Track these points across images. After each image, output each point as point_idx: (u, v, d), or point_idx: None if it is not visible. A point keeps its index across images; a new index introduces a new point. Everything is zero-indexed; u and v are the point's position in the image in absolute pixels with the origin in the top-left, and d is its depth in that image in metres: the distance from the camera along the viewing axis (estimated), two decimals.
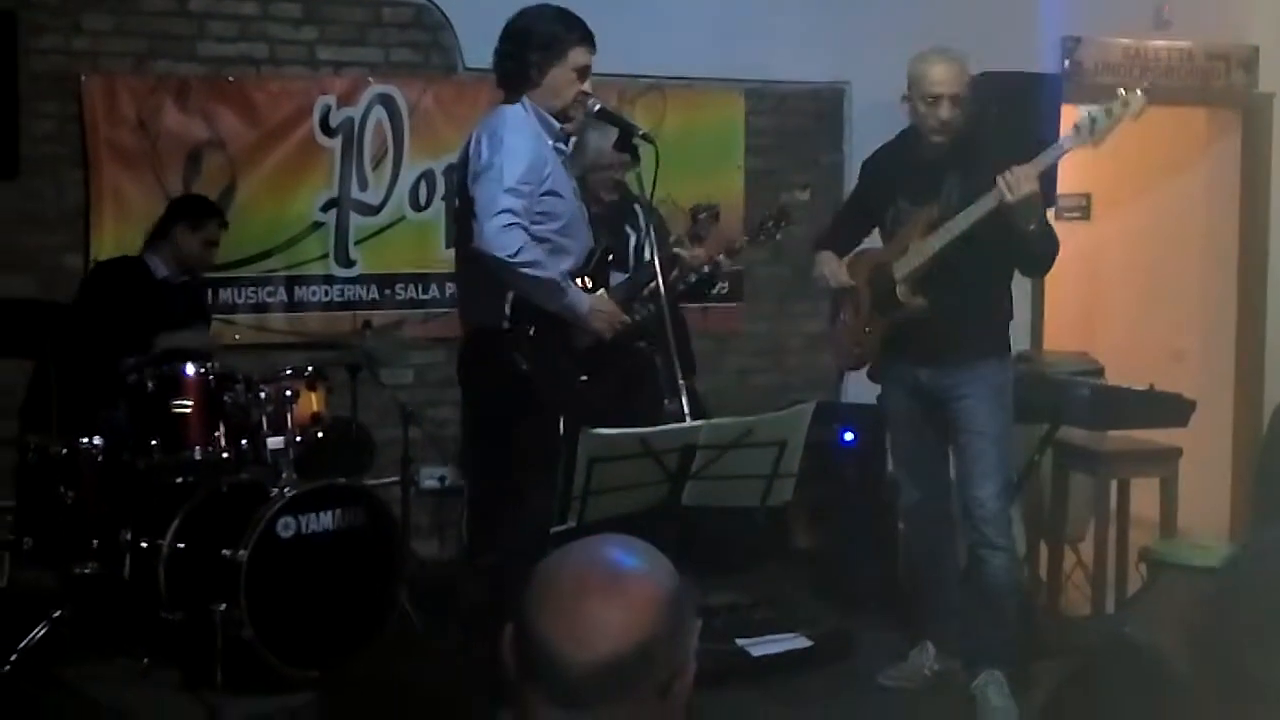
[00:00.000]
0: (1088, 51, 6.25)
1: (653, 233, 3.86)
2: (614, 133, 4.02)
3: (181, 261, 4.78)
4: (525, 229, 3.47)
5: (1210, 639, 1.40)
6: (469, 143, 3.65)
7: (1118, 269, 7.14)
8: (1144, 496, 5.09)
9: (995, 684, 3.95)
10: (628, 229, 4.53)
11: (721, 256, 4.24)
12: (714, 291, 4.83)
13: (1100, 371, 5.24)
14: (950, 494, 4.19)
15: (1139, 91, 3.66)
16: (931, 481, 4.19)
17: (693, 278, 4.18)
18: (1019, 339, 6.02)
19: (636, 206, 4.56)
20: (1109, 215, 7.14)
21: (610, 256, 3.90)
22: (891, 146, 4.16)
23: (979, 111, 5.21)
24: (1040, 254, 3.92)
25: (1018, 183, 3.64)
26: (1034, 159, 3.70)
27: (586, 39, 3.64)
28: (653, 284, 3.68)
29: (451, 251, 5.34)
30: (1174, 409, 4.55)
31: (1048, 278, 6.06)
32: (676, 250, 4.06)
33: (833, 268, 4.14)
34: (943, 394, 4.02)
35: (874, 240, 4.23)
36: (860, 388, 5.10)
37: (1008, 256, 3.95)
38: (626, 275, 4.04)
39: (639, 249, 4.47)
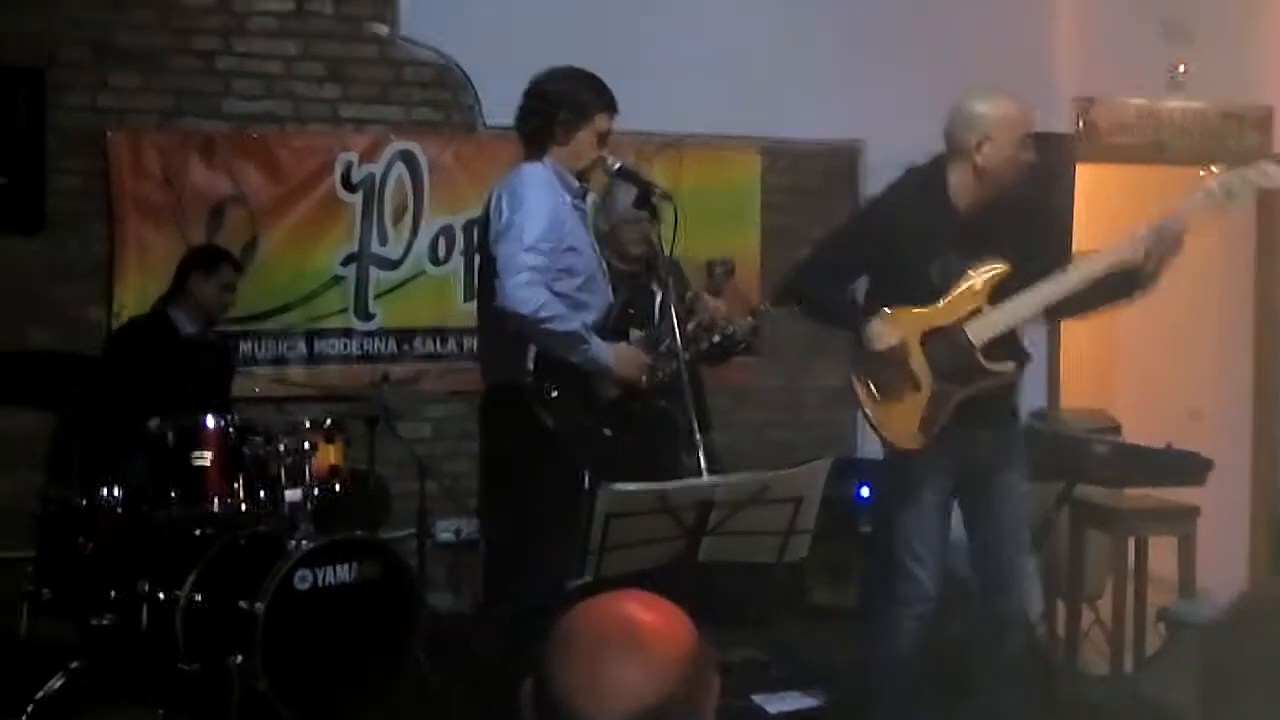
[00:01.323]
0: (1101, 112, 6.30)
1: (671, 289, 3.88)
2: (635, 190, 4.07)
3: (201, 310, 4.83)
4: (547, 286, 3.51)
5: (1222, 697, 1.40)
6: (489, 200, 3.71)
7: (1135, 327, 7.13)
8: (1162, 555, 5.07)
9: None
10: (653, 286, 4.56)
11: (748, 318, 4.24)
12: (739, 351, 4.76)
13: (1117, 429, 5.24)
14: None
15: (1274, 164, 3.49)
16: (942, 570, 3.75)
17: (716, 337, 4.19)
18: (1036, 395, 6.06)
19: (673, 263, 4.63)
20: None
21: (631, 311, 3.94)
22: (916, 192, 3.72)
23: None
24: (1119, 302, 3.71)
25: (1171, 237, 3.47)
26: (1168, 218, 3.52)
27: (611, 105, 3.72)
28: (671, 339, 3.71)
29: (470, 306, 5.42)
30: (1191, 467, 4.53)
31: (1065, 335, 6.12)
32: (696, 297, 4.08)
33: (891, 337, 3.60)
34: (993, 459, 3.71)
35: None
36: (876, 443, 5.11)
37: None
38: (644, 331, 4.07)
39: (664, 305, 4.50)
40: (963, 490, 3.75)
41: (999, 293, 3.61)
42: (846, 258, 3.81)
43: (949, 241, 3.61)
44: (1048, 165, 5.45)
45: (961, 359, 3.59)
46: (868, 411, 3.73)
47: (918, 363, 3.61)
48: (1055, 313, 3.86)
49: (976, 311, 3.60)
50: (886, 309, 3.64)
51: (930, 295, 3.62)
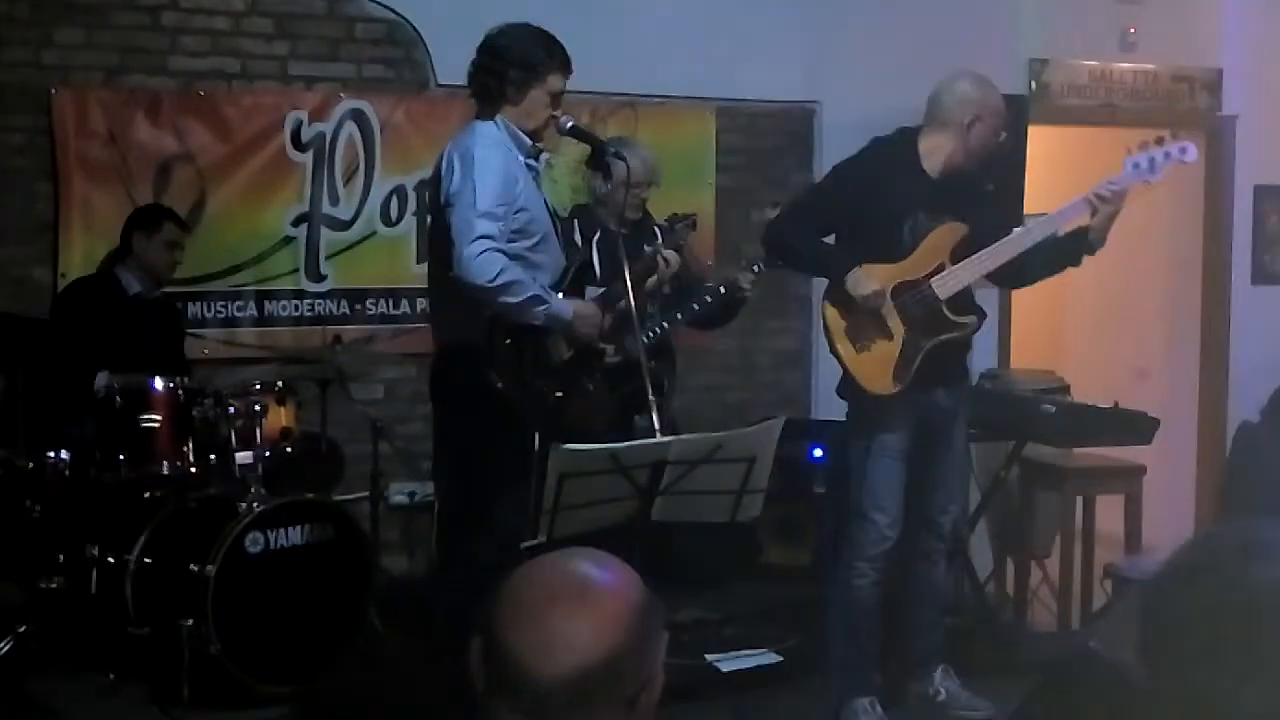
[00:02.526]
0: (1054, 73, 6.32)
1: (620, 248, 3.87)
2: (645, 155, 4.07)
3: (148, 270, 4.78)
4: (503, 251, 3.49)
5: (1162, 651, 1.42)
6: (441, 159, 3.67)
7: (1083, 288, 7.19)
8: (1109, 513, 5.14)
9: (951, 676, 4.15)
10: (645, 246, 4.56)
11: (748, 274, 4.34)
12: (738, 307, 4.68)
13: (1066, 389, 5.29)
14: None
15: (1192, 147, 3.84)
16: (902, 515, 3.96)
17: (708, 298, 4.25)
18: (986, 356, 6.11)
19: (656, 227, 4.63)
20: None
21: (588, 272, 3.92)
22: (890, 155, 3.94)
23: None
24: (1067, 267, 4.00)
25: (1107, 194, 3.75)
26: (1113, 179, 3.81)
27: (565, 65, 3.66)
28: (624, 300, 3.70)
29: (422, 267, 5.38)
30: (1139, 427, 4.60)
31: (1014, 297, 6.17)
32: (654, 250, 4.09)
33: (872, 284, 3.80)
34: (948, 413, 4.02)
35: None
36: (830, 404, 5.14)
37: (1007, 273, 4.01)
38: (602, 290, 4.05)
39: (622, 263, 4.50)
40: (915, 441, 3.96)
41: (959, 251, 3.86)
42: (822, 215, 4.01)
43: (919, 203, 3.87)
44: None
45: (929, 311, 3.85)
46: (845, 361, 3.91)
47: (890, 314, 3.85)
48: (1008, 280, 4.23)
49: (941, 268, 3.86)
50: (858, 264, 3.85)
51: (900, 253, 3.87)
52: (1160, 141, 3.82)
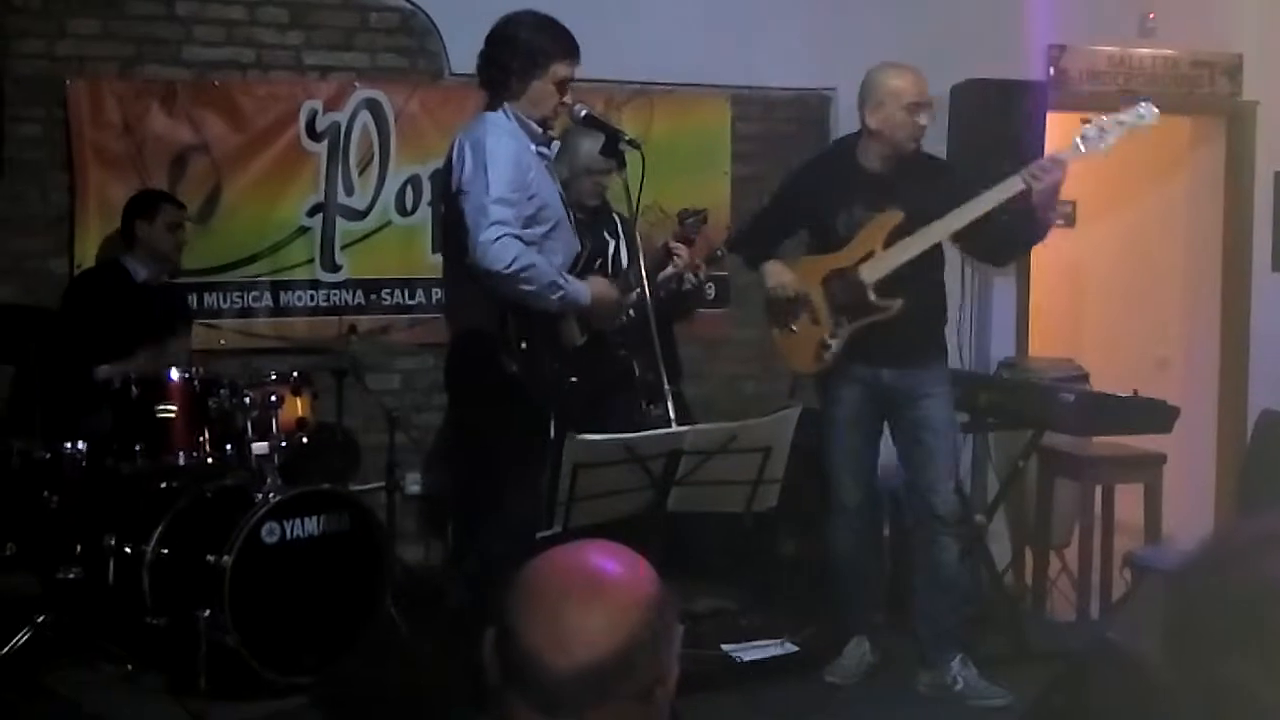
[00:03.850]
0: (1073, 59, 6.27)
1: (636, 238, 3.87)
2: (602, 138, 4.03)
3: (154, 255, 4.76)
4: (518, 237, 3.47)
5: (1185, 641, 1.40)
6: (452, 148, 3.66)
7: (1102, 276, 7.16)
8: (1128, 502, 5.11)
9: (969, 666, 4.16)
10: (606, 235, 4.54)
11: (704, 266, 4.36)
12: (697, 302, 4.84)
13: (1085, 378, 5.27)
14: (879, 491, 4.42)
15: (1148, 104, 3.88)
16: (869, 483, 4.31)
17: (685, 286, 4.24)
18: (1005, 345, 6.07)
19: (616, 214, 4.59)
20: (1094, 222, 7.17)
21: (598, 261, 3.91)
22: (831, 156, 4.34)
23: (956, 119, 5.35)
24: (1032, 241, 4.22)
25: (1047, 164, 3.84)
26: (1046, 159, 3.92)
27: (570, 52, 3.64)
28: (638, 290, 3.69)
29: (438, 257, 5.37)
30: (1158, 415, 4.57)
31: (1033, 285, 6.14)
32: (671, 246, 4.09)
33: (784, 275, 4.21)
34: (906, 394, 4.15)
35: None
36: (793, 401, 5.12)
37: (977, 247, 4.24)
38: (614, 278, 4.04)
39: (616, 256, 4.48)
40: (889, 420, 4.23)
41: (893, 238, 4.05)
42: (775, 216, 4.42)
43: (854, 197, 4.11)
44: (1020, 112, 5.49)
45: (853, 295, 4.07)
46: (775, 343, 4.35)
47: (818, 301, 4.15)
48: (981, 257, 4.57)
49: (870, 254, 4.06)
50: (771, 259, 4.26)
51: (836, 244, 4.15)
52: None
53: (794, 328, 4.23)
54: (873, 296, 4.05)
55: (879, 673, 4.34)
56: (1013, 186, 3.87)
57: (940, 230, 4.00)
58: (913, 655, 4.30)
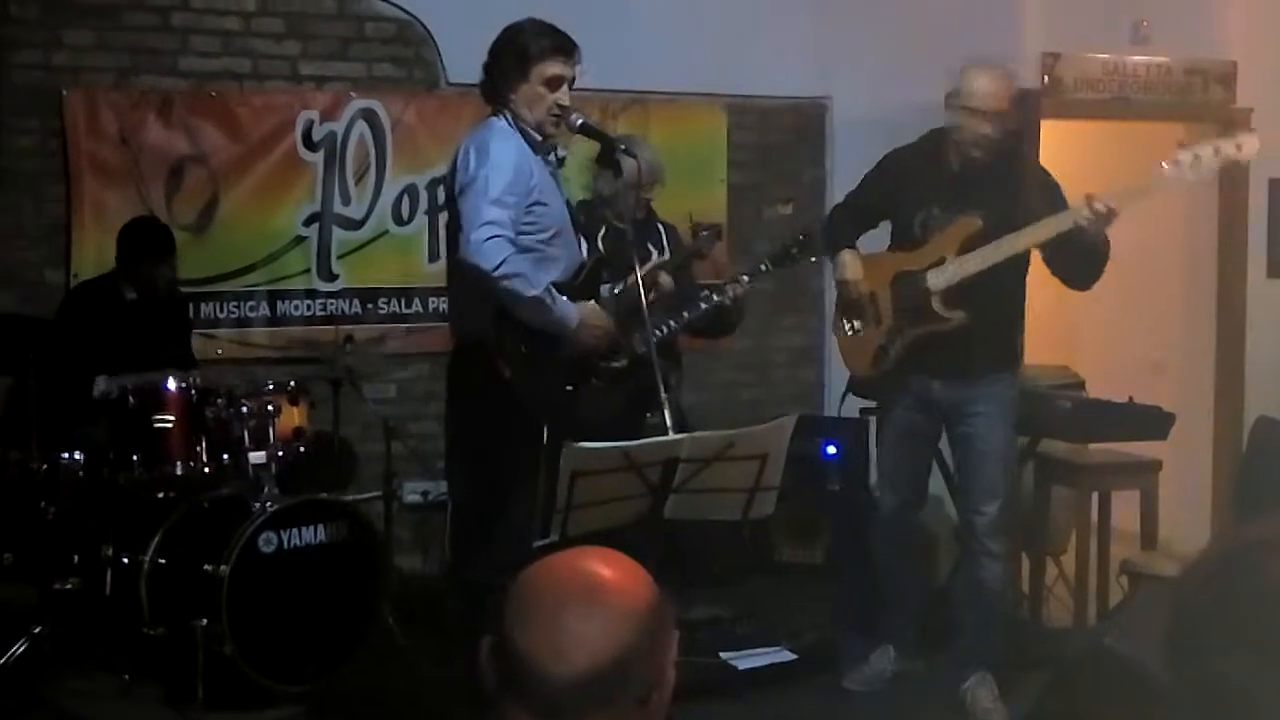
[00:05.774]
0: (1067, 67, 6.29)
1: (681, 247, 3.88)
2: (650, 155, 4.06)
3: (139, 288, 4.73)
4: (511, 241, 3.48)
5: (1186, 645, 1.41)
6: (457, 154, 3.67)
7: (1098, 283, 7.17)
8: (1125, 509, 5.11)
9: (987, 685, 4.07)
10: (650, 246, 4.56)
11: (736, 286, 4.21)
12: (742, 316, 4.62)
13: (1081, 384, 5.26)
14: (924, 503, 4.30)
15: (1250, 135, 3.67)
16: (914, 491, 4.24)
17: (703, 306, 4.21)
18: None
19: (660, 225, 4.63)
20: None
21: (605, 270, 3.90)
22: (920, 148, 4.09)
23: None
24: (1097, 268, 3.96)
25: (1105, 211, 3.63)
26: (1127, 190, 3.72)
27: (560, 49, 3.62)
28: (640, 300, 3.69)
29: (434, 266, 5.38)
30: (1154, 422, 4.57)
31: (1029, 292, 6.13)
32: (657, 265, 4.10)
33: (856, 270, 4.04)
34: (956, 409, 4.04)
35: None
36: (844, 403, 5.12)
37: (1059, 270, 3.99)
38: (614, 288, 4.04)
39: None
40: (928, 430, 4.14)
41: (968, 246, 3.88)
42: (859, 204, 4.23)
43: (935, 197, 3.94)
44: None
45: (918, 301, 3.94)
46: (837, 339, 4.22)
47: (884, 301, 4.01)
48: (1068, 281, 4.09)
49: (941, 261, 3.90)
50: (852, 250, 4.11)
51: (910, 243, 3.99)
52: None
53: (856, 327, 4.10)
54: (936, 305, 3.91)
55: (899, 683, 4.31)
56: (1072, 218, 3.69)
57: (1007, 247, 3.79)
58: (939, 668, 4.28)
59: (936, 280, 3.89)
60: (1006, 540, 4.12)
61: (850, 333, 4.13)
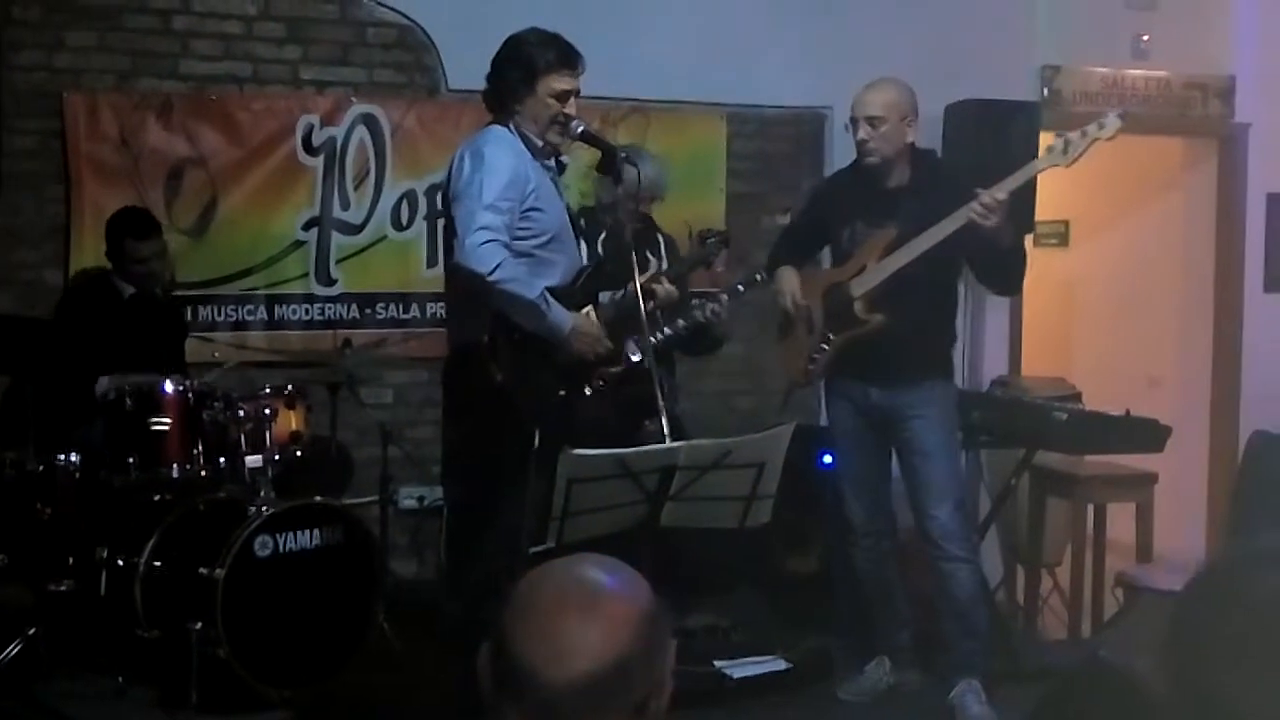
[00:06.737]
0: (1066, 80, 6.30)
1: (678, 254, 3.89)
2: (651, 167, 4.08)
3: (134, 283, 4.73)
4: (505, 245, 3.49)
5: (1185, 657, 1.41)
6: (453, 160, 3.68)
7: (1095, 295, 7.19)
8: (1120, 521, 5.12)
9: (973, 693, 4.06)
10: (648, 254, 4.58)
11: (715, 305, 4.33)
12: (729, 334, 4.76)
13: (1077, 397, 5.27)
14: (892, 510, 4.34)
15: (1114, 115, 3.83)
16: (876, 499, 4.29)
17: (681, 323, 4.23)
18: (998, 363, 6.09)
19: (660, 234, 4.65)
20: (1087, 242, 7.20)
21: (606, 272, 3.91)
22: (846, 172, 4.32)
23: (950, 139, 5.36)
24: (1012, 272, 4.12)
25: (991, 203, 3.76)
26: (1005, 179, 3.84)
27: (568, 63, 3.64)
28: (638, 308, 3.69)
29: (432, 271, 5.39)
30: (1150, 434, 4.58)
31: (1026, 304, 6.15)
32: (656, 273, 4.11)
33: (793, 284, 4.24)
34: (894, 413, 4.12)
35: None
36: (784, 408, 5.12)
37: (979, 275, 4.19)
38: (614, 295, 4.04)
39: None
40: (874, 439, 4.22)
41: (887, 253, 4.04)
42: (797, 230, 4.51)
43: (860, 213, 4.13)
44: (1013, 133, 5.51)
45: (842, 308, 4.12)
46: (777, 352, 4.45)
47: (817, 312, 4.20)
48: (990, 286, 4.40)
49: (863, 269, 4.09)
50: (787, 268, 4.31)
51: (840, 258, 4.23)
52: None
53: (793, 337, 4.30)
54: (858, 309, 4.07)
55: (894, 695, 4.31)
56: (965, 214, 3.79)
57: (917, 248, 3.93)
58: (934, 680, 4.28)
59: (858, 287, 4.07)
60: (968, 543, 4.15)
61: (786, 342, 4.34)
